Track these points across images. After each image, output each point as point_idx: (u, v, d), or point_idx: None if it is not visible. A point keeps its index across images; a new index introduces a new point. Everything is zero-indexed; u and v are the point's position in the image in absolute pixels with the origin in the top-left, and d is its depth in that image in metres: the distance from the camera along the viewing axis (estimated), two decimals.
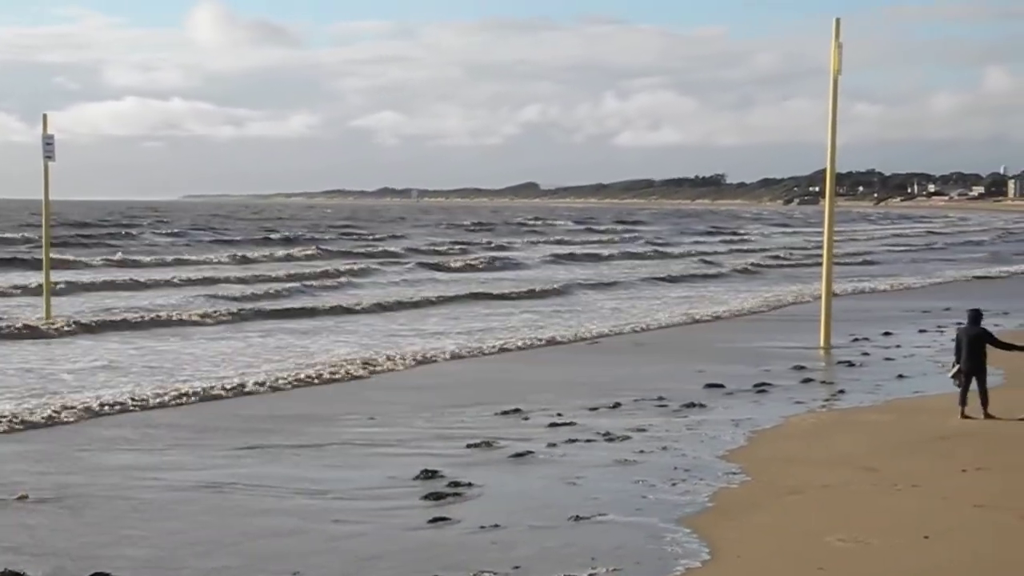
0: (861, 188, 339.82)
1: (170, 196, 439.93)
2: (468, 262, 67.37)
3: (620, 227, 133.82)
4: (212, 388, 23.98)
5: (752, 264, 68.04)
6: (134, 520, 14.51)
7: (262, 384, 24.63)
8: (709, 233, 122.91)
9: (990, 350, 20.90)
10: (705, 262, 70.32)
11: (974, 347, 20.74)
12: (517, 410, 21.73)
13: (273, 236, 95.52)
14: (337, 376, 26.11)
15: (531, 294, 48.58)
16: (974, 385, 20.73)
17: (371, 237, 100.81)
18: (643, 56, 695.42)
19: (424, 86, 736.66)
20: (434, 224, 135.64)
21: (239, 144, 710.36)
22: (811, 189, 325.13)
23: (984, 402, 20.66)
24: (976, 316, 21.18)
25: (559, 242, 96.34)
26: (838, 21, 30.80)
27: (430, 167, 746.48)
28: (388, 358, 28.57)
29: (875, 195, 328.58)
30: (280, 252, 75.25)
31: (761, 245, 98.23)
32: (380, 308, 41.96)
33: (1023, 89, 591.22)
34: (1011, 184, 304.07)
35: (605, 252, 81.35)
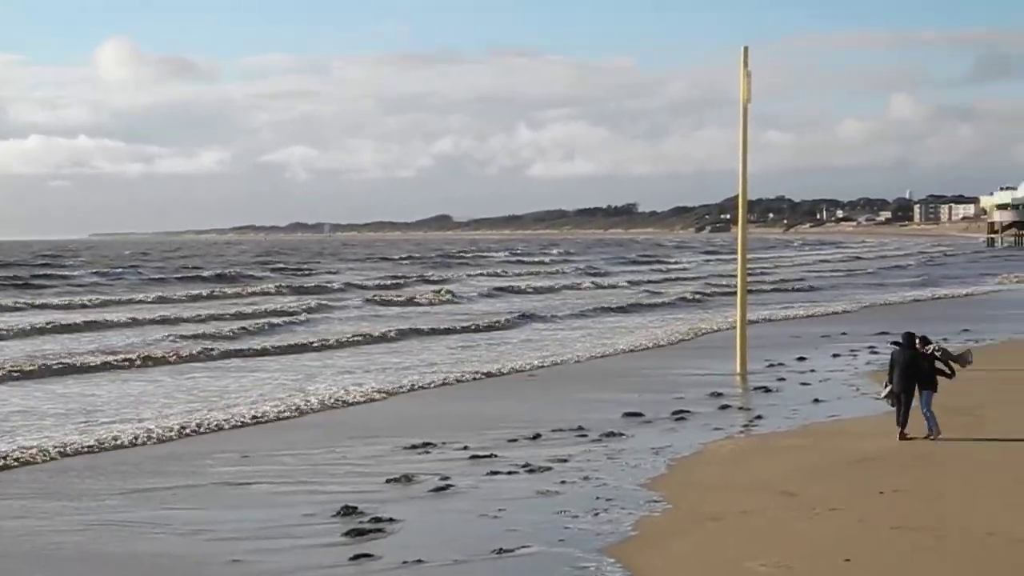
0: (771, 215, 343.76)
1: (77, 235, 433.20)
2: (416, 298, 65.49)
3: (549, 258, 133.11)
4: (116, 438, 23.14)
5: (694, 292, 67.37)
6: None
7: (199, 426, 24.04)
8: (637, 263, 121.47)
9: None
10: (650, 292, 69.29)
11: (907, 370, 20.95)
12: (434, 444, 21.62)
13: (205, 274, 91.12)
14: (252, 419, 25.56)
15: (492, 326, 47.87)
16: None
17: (306, 272, 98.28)
18: (553, 87, 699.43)
19: (335, 120, 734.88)
20: (362, 259, 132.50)
21: (148, 181, 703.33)
22: (722, 216, 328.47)
23: (902, 423, 20.94)
24: (909, 339, 21.36)
25: (495, 275, 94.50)
26: (746, 50, 31.15)
27: (342, 201, 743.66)
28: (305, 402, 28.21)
29: (785, 221, 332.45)
30: (229, 290, 73.13)
31: (695, 273, 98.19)
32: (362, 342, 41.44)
33: (926, 116, 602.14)
34: (916, 209, 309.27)
35: (546, 284, 79.83)
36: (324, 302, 61.54)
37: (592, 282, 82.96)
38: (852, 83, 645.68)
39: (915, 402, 20.96)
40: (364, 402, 27.37)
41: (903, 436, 20.82)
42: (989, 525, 14.93)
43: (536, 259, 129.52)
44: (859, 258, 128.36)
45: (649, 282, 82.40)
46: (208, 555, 14.61)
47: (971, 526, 14.94)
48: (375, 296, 66.07)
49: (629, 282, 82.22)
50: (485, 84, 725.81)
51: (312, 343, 40.45)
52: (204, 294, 69.05)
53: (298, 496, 17.75)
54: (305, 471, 19.61)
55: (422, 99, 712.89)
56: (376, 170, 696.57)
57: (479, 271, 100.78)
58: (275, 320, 50.09)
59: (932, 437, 20.77)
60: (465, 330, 46.60)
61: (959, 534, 14.59)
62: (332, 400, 27.25)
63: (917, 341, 21.31)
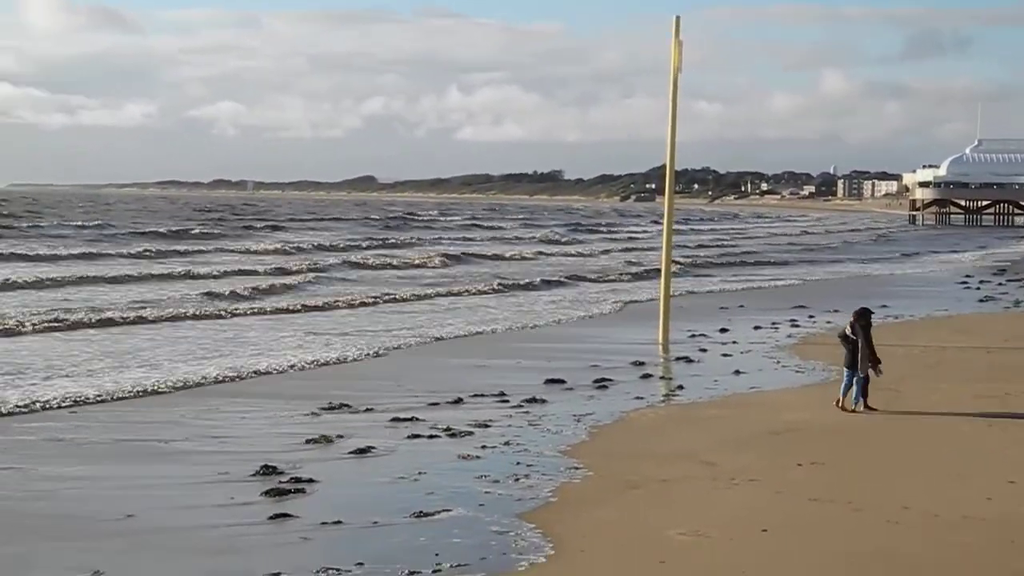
0: (696, 186, 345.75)
1: None
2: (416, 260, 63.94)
3: (509, 224, 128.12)
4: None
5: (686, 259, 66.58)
6: None
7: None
8: (592, 231, 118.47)
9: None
10: (630, 262, 68.31)
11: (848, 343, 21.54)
12: (353, 406, 21.51)
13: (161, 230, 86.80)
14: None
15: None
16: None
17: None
18: (482, 50, 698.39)
19: (265, 76, 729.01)
20: (315, 219, 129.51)
21: (71, 132, 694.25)
22: (647, 186, 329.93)
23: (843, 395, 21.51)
24: (862, 313, 21.76)
25: (464, 240, 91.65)
26: (678, 19, 31.12)
27: (267, 159, 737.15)
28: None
29: (710, 193, 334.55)
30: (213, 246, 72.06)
31: (655, 243, 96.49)
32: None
33: (857, 92, 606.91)
34: (840, 184, 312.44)
35: (532, 251, 77.35)
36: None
37: (564, 251, 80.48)
38: (785, 57, 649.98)
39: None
40: (287, 368, 27.06)
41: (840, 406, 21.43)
42: (904, 499, 15.11)
43: (495, 224, 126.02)
44: (807, 232, 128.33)
45: (625, 250, 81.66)
46: (101, 511, 14.44)
47: (886, 499, 15.10)
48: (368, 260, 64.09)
49: (607, 250, 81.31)
50: (415, 46, 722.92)
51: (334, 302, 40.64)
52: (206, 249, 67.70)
53: (216, 455, 17.58)
54: (224, 430, 19.42)
55: (349, 58, 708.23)
56: (305, 128, 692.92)
57: (446, 235, 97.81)
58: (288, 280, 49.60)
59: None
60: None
61: (874, 507, 14.74)
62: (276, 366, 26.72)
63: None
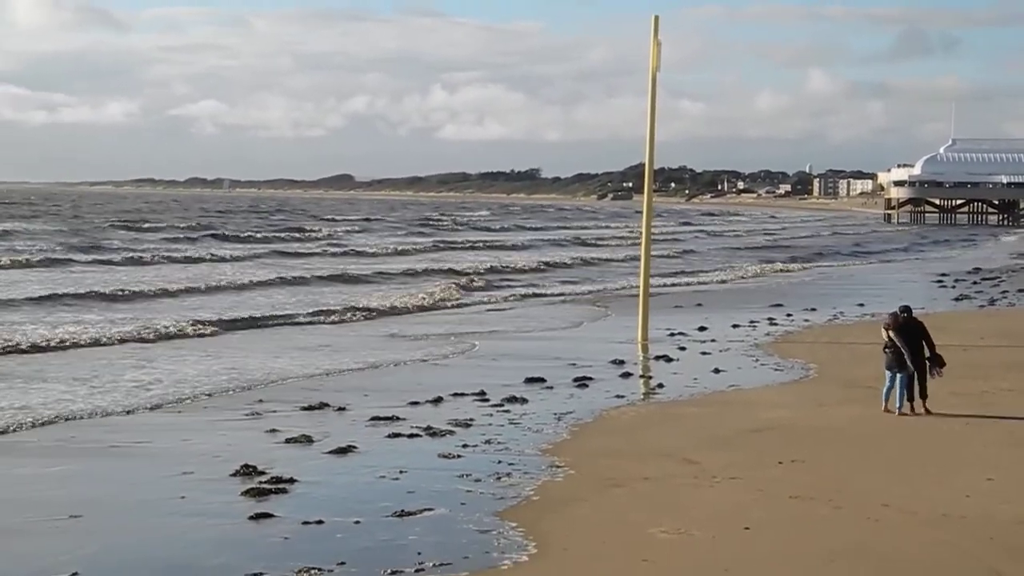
0: (673, 184, 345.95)
1: None
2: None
3: (499, 225, 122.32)
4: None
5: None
6: None
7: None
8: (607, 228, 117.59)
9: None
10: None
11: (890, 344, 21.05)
12: (334, 405, 21.48)
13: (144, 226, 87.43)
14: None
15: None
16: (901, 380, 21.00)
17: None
18: (463, 49, 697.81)
19: (247, 76, 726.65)
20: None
21: (51, 130, 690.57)
22: (624, 185, 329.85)
23: (911, 397, 20.96)
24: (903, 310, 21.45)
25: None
26: (656, 19, 31.14)
27: (245, 157, 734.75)
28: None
29: (687, 192, 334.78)
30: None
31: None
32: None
33: (841, 91, 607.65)
34: (816, 183, 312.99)
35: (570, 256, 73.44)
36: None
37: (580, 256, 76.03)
38: (772, 55, 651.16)
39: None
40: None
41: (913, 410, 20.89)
42: (883, 496, 15.17)
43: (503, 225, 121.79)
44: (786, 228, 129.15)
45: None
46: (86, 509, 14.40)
47: (866, 497, 15.17)
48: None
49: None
50: (396, 44, 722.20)
51: None
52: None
53: (195, 456, 17.53)
54: (204, 430, 19.38)
55: (333, 57, 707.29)
56: (286, 128, 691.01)
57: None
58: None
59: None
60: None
61: (854, 504, 14.80)
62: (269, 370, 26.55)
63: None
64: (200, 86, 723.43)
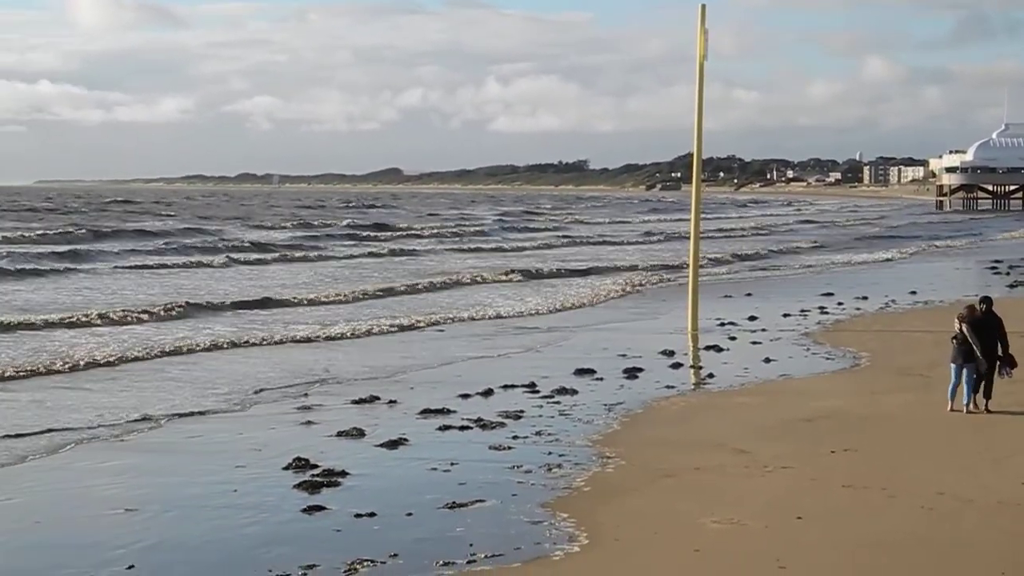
0: (722, 173, 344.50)
1: (22, 181, 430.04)
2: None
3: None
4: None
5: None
6: None
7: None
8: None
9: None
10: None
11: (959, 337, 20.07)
12: (384, 398, 21.55)
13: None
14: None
15: None
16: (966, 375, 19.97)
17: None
18: (513, 41, 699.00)
19: (300, 69, 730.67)
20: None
21: (107, 129, 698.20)
22: (672, 175, 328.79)
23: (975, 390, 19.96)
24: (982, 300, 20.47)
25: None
26: (703, 7, 31.08)
27: (297, 152, 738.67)
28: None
29: (735, 181, 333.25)
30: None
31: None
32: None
33: (899, 78, 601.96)
34: (866, 170, 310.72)
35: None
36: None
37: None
38: (827, 42, 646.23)
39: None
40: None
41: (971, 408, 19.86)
42: (938, 485, 15.06)
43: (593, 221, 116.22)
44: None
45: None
46: (136, 504, 14.53)
47: (920, 485, 15.06)
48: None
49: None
50: (443, 37, 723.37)
51: None
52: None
53: (249, 449, 17.65)
54: (258, 423, 19.51)
55: (382, 51, 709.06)
56: (340, 122, 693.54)
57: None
58: None
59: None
60: None
61: (908, 493, 14.70)
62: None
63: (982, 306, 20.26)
64: (254, 81, 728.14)
